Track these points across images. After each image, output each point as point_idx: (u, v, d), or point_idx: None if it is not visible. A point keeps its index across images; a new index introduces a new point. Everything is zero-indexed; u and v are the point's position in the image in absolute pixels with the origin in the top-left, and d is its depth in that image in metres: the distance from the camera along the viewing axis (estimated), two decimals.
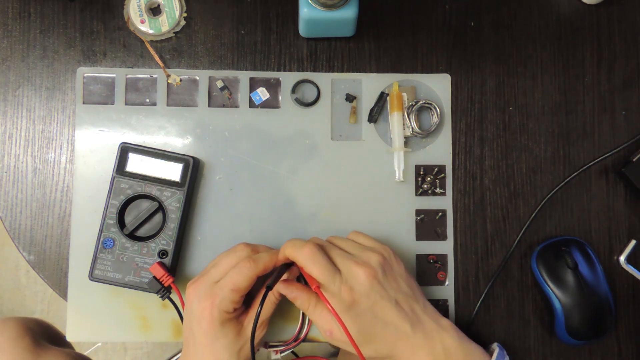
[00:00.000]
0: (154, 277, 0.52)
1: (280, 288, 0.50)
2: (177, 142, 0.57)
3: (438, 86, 0.58)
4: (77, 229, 0.56)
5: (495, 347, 0.51)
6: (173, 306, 0.52)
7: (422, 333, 0.48)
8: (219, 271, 0.50)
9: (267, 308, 0.51)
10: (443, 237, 0.57)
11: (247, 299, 0.51)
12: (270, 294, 0.50)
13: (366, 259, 0.48)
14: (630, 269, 0.57)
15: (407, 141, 0.57)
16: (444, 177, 0.58)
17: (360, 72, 0.58)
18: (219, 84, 0.57)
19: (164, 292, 0.52)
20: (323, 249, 0.49)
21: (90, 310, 0.55)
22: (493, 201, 0.58)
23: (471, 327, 0.56)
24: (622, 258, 0.58)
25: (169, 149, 0.56)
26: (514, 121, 0.59)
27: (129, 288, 0.53)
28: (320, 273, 0.47)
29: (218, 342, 0.48)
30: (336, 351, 0.88)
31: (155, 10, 0.58)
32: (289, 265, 0.50)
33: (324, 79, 0.58)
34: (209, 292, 0.48)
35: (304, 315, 0.55)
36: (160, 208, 0.54)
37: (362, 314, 0.47)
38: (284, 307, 0.55)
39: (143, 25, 0.57)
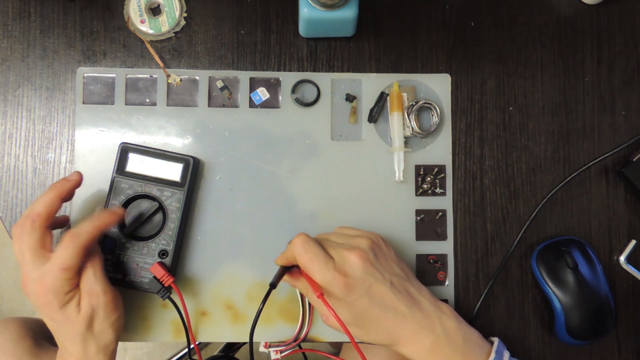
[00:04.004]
0: (154, 277, 0.52)
1: (284, 277, 0.50)
2: (177, 142, 0.57)
3: (438, 86, 0.58)
4: None
5: (495, 339, 0.51)
6: (173, 306, 0.52)
7: (421, 314, 0.48)
8: (31, 260, 0.47)
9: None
10: (443, 237, 0.57)
11: None
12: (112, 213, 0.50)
13: (356, 244, 0.49)
14: (630, 269, 0.57)
15: (407, 141, 0.57)
16: (444, 177, 0.58)
17: (360, 72, 0.58)
18: (219, 84, 0.57)
19: (164, 292, 0.52)
20: None
21: None
22: (493, 201, 0.58)
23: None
24: (622, 258, 0.58)
25: (169, 149, 0.56)
26: (514, 121, 0.59)
27: (129, 288, 0.53)
28: (313, 261, 0.47)
29: (63, 324, 0.48)
30: (337, 351, 0.88)
31: (155, 10, 0.58)
32: (289, 267, 0.50)
33: (324, 79, 0.58)
34: (38, 282, 0.47)
35: (303, 316, 0.55)
36: (161, 208, 0.54)
37: (358, 299, 0.47)
38: (284, 307, 0.56)
39: (143, 25, 0.57)
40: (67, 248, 0.46)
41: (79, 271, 0.48)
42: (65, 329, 0.48)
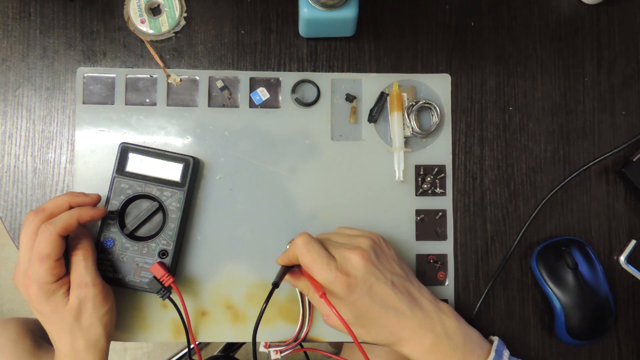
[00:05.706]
0: (154, 277, 0.52)
1: (285, 277, 0.50)
2: (177, 142, 0.57)
3: (438, 86, 0.58)
4: None
5: (495, 338, 0.51)
6: (173, 306, 0.52)
7: (421, 313, 0.48)
8: (24, 251, 0.48)
9: (45, 243, 0.47)
10: (443, 237, 0.57)
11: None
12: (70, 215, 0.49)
13: (357, 244, 0.49)
14: (630, 269, 0.57)
15: (407, 141, 0.57)
16: (444, 177, 0.58)
17: (360, 72, 0.58)
18: (219, 84, 0.57)
19: (164, 292, 0.52)
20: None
21: None
22: (493, 201, 0.58)
23: None
24: (622, 258, 0.58)
25: (169, 149, 0.56)
26: (514, 121, 0.59)
27: (129, 288, 0.53)
28: (315, 260, 0.47)
29: (51, 317, 0.48)
30: (337, 351, 0.88)
31: (155, 10, 0.58)
32: (291, 267, 0.50)
33: (324, 79, 0.58)
34: (24, 274, 0.48)
35: (303, 315, 0.55)
36: (161, 208, 0.54)
37: (360, 299, 0.47)
38: (284, 306, 0.56)
39: (143, 25, 0.57)
40: (42, 236, 0.46)
41: (62, 261, 0.48)
42: (54, 321, 0.48)
